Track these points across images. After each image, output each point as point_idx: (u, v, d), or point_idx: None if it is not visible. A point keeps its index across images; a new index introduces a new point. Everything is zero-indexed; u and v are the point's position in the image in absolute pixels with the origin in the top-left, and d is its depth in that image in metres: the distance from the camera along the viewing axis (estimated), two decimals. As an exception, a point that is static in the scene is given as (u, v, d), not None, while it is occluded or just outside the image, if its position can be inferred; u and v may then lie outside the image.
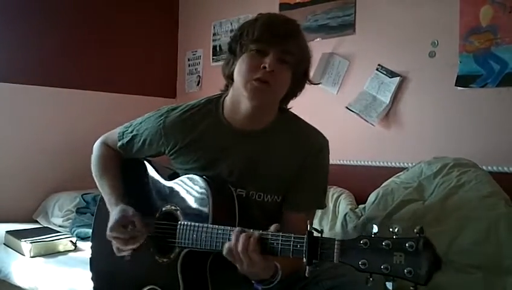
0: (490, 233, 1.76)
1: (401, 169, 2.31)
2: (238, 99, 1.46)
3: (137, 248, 1.48)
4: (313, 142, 1.52)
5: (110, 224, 1.46)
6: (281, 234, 1.19)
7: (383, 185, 2.20)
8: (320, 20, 2.94)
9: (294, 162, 1.49)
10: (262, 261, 1.20)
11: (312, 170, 1.50)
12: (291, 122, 1.55)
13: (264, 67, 1.36)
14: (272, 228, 1.23)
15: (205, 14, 3.62)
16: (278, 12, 3.07)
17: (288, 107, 1.59)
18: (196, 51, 3.74)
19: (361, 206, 2.27)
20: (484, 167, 2.11)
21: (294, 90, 1.51)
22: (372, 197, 2.16)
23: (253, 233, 1.21)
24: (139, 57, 3.67)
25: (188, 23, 3.83)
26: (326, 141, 1.55)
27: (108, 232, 1.46)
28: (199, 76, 3.73)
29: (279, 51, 1.38)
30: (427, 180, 2.08)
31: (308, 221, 1.16)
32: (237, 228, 1.25)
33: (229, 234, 1.27)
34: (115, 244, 1.48)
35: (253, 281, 1.29)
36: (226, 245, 1.24)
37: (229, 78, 1.49)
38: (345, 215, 2.23)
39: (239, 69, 1.42)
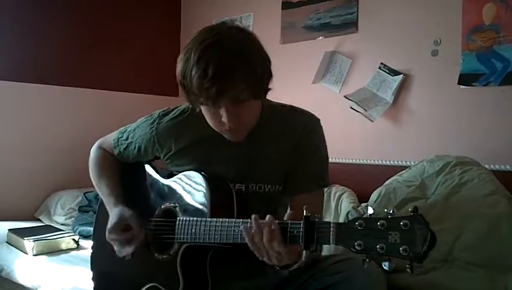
0: (492, 231, 1.76)
1: (404, 167, 2.30)
2: None
3: (137, 246, 1.48)
4: (304, 123, 1.51)
5: (108, 226, 1.48)
6: (277, 221, 1.19)
7: (386, 183, 2.20)
8: (323, 18, 2.93)
9: (289, 148, 1.48)
10: (289, 251, 1.17)
11: (308, 150, 1.49)
12: (279, 112, 1.53)
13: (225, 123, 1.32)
14: (286, 217, 1.21)
15: (207, 13, 3.62)
16: (280, 10, 3.08)
17: (282, 103, 1.58)
18: (198, 50, 3.73)
19: (363, 204, 2.27)
20: (486, 166, 2.10)
21: (265, 91, 1.40)
22: (374, 196, 2.16)
23: (274, 223, 1.17)
24: (141, 55, 3.67)
25: (190, 21, 3.83)
26: (317, 120, 1.53)
27: (107, 234, 1.48)
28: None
29: (230, 99, 1.28)
30: (429, 179, 2.07)
31: (304, 207, 1.15)
32: (253, 217, 1.21)
33: (228, 226, 1.27)
34: (115, 246, 1.50)
35: (277, 268, 1.26)
36: (248, 238, 1.20)
37: None
38: (347, 213, 2.23)
39: (205, 117, 1.38)
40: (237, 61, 1.26)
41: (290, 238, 1.16)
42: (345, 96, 2.72)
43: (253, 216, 1.21)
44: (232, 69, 1.26)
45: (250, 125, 1.42)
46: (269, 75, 1.36)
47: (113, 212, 1.51)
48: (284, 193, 1.51)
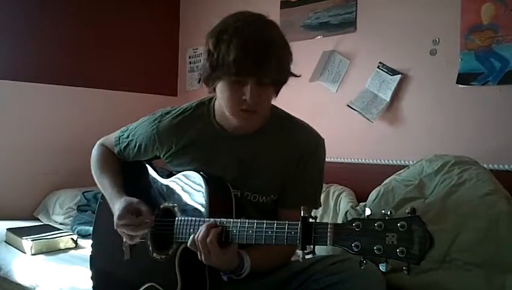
0: (491, 231, 1.76)
1: (402, 167, 2.30)
2: (225, 112, 1.44)
3: (135, 245, 1.49)
4: (307, 141, 1.52)
5: (117, 213, 1.46)
6: (275, 222, 1.20)
7: (384, 182, 2.20)
8: (322, 17, 2.93)
9: (289, 163, 1.49)
10: (221, 252, 1.25)
11: (307, 170, 1.50)
12: (284, 123, 1.54)
13: (246, 100, 1.33)
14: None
15: (206, 11, 3.61)
16: (279, 9, 3.08)
17: (288, 105, 1.58)
18: (197, 49, 3.74)
19: (362, 204, 2.27)
20: (485, 165, 2.10)
21: (279, 89, 1.46)
22: (373, 195, 2.16)
23: (218, 225, 1.27)
24: (140, 55, 3.67)
25: (189, 20, 3.83)
26: (321, 140, 1.54)
27: (116, 221, 1.46)
28: (200, 74, 3.71)
29: (258, 79, 1.32)
30: (428, 178, 2.07)
31: (302, 207, 1.16)
32: (207, 220, 1.30)
33: (225, 227, 1.29)
34: (126, 232, 1.47)
35: (221, 272, 1.33)
36: (191, 237, 1.29)
37: (213, 91, 1.44)
38: (346, 213, 2.23)
39: (222, 97, 1.39)
40: (273, 42, 1.33)
41: (225, 239, 1.26)
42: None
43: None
44: (269, 47, 1.31)
45: (261, 116, 1.44)
46: (289, 70, 1.42)
47: (119, 201, 1.50)
48: (276, 202, 1.52)
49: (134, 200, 1.49)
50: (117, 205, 1.50)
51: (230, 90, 1.35)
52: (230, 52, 1.29)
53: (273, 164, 1.49)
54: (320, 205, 1.59)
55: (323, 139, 1.55)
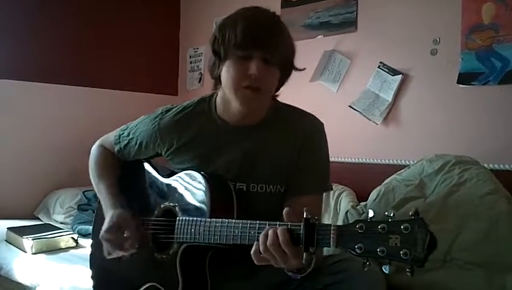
0: (491, 231, 1.76)
1: (403, 166, 2.30)
2: (229, 101, 1.45)
3: (136, 245, 1.48)
4: (307, 125, 1.52)
5: (105, 225, 1.47)
6: (278, 223, 1.19)
7: (385, 182, 2.20)
8: (322, 17, 2.93)
9: (292, 149, 1.49)
10: (296, 251, 1.16)
11: (310, 153, 1.49)
12: (283, 112, 1.55)
13: (251, 74, 1.35)
14: (286, 216, 1.19)
15: (207, 11, 3.62)
16: (279, 8, 3.08)
17: (287, 104, 1.59)
18: (198, 48, 3.74)
19: (362, 203, 2.27)
20: (486, 165, 2.10)
21: (283, 81, 1.50)
22: (373, 195, 2.16)
23: (277, 227, 1.17)
24: (141, 54, 3.67)
25: (190, 20, 3.83)
26: (321, 124, 1.55)
27: (102, 233, 1.47)
28: (201, 73, 3.72)
29: (264, 54, 1.35)
30: (428, 178, 2.07)
31: (305, 209, 1.14)
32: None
33: (227, 227, 1.27)
34: (106, 246, 1.49)
35: (289, 273, 1.26)
36: (255, 246, 1.19)
37: (217, 80, 1.47)
38: (347, 212, 2.23)
39: (226, 76, 1.40)
40: (279, 23, 1.43)
41: (293, 240, 1.15)
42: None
43: (263, 232, 1.19)
44: (275, 25, 1.40)
45: (264, 101, 1.45)
46: (293, 62, 1.47)
47: (112, 214, 1.50)
48: (285, 194, 1.51)
49: (128, 217, 1.49)
50: (109, 215, 1.50)
51: (235, 66, 1.37)
52: (236, 27, 1.34)
53: (277, 152, 1.49)
54: (331, 189, 1.58)
55: (323, 124, 1.55)
